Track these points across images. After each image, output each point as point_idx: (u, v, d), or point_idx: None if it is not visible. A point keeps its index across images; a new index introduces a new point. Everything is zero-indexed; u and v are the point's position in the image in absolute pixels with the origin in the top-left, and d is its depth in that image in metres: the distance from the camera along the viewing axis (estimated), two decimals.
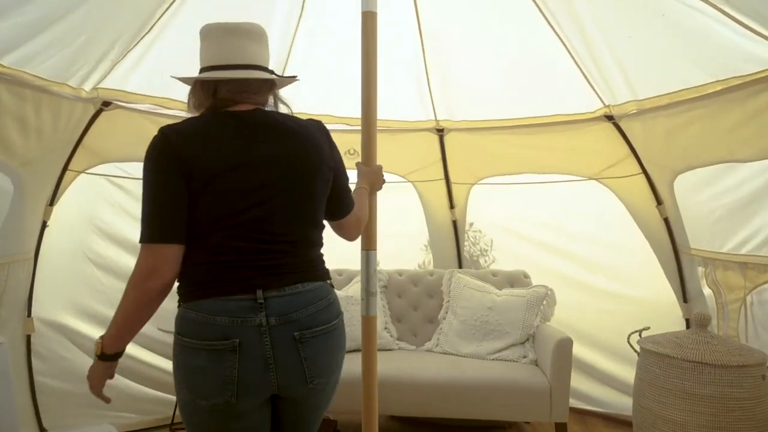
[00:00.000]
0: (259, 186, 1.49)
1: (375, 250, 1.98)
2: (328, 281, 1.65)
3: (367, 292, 1.94)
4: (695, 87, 2.76)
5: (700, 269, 3.29)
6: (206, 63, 1.58)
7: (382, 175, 2.03)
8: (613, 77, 3.09)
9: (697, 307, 3.29)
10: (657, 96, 2.98)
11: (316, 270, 1.61)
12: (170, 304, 1.58)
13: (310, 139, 1.59)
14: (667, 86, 2.89)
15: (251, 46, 1.56)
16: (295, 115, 1.69)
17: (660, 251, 3.53)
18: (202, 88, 1.58)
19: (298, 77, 1.70)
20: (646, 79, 2.98)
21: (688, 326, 3.44)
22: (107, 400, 1.63)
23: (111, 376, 1.61)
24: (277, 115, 1.60)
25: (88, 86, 2.93)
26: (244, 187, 1.48)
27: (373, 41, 1.94)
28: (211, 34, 1.57)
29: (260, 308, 1.46)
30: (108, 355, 1.54)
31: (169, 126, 1.51)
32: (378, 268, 3.88)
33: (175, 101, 3.23)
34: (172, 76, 1.69)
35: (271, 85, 1.65)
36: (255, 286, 1.48)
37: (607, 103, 3.37)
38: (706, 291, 3.26)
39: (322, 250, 1.70)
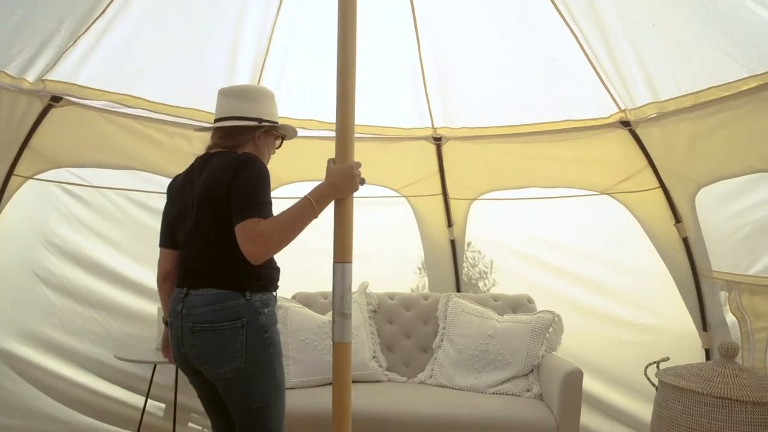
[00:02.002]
0: (187, 215, 2.02)
1: (350, 262, 1.70)
2: (246, 292, 1.93)
3: (340, 314, 1.62)
4: (726, 84, 2.57)
5: (723, 294, 3.17)
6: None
7: (357, 175, 1.80)
8: (632, 75, 2.91)
9: (718, 336, 3.18)
10: (681, 96, 2.80)
11: (226, 281, 1.94)
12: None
13: (215, 171, 1.97)
14: (693, 84, 2.71)
15: (232, 101, 2.09)
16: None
17: (678, 274, 3.40)
18: (209, 136, 2.18)
19: (264, 121, 2.10)
20: (669, 75, 2.79)
21: (707, 357, 3.33)
22: (171, 361, 2.18)
23: None
24: (218, 156, 2.03)
25: (31, 76, 2.71)
26: (181, 217, 2.05)
27: (352, 23, 1.78)
28: (217, 97, 2.15)
29: (182, 300, 1.97)
30: (165, 320, 2.12)
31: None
32: (367, 291, 3.71)
33: (136, 99, 3.01)
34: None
35: (251, 129, 2.09)
36: (184, 285, 2.00)
37: (623, 107, 3.21)
38: (730, 318, 3.13)
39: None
